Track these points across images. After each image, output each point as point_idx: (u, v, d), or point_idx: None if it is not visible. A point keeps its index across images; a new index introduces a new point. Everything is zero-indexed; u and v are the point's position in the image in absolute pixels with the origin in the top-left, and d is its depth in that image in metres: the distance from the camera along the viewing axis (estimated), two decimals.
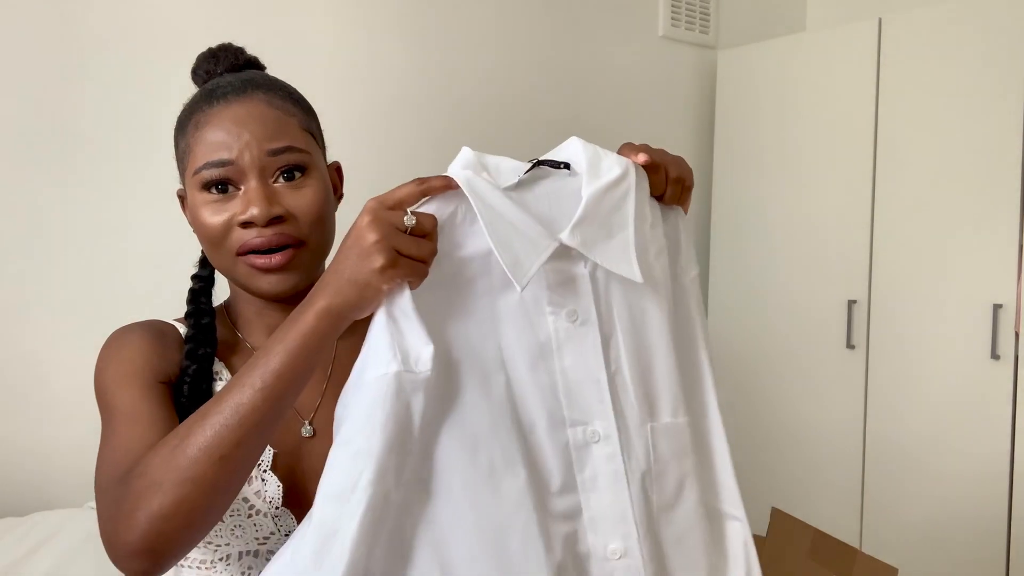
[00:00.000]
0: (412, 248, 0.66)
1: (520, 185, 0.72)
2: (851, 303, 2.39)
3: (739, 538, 0.80)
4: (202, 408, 0.68)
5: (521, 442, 0.71)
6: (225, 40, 0.93)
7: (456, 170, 0.70)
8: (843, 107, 2.41)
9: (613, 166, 0.74)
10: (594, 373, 0.74)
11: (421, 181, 0.69)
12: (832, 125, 2.44)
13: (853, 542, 2.33)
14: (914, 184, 2.26)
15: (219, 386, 0.85)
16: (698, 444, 0.78)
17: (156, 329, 0.87)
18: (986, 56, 2.12)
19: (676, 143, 2.74)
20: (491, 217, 0.69)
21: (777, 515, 1.69)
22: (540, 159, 0.74)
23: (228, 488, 0.68)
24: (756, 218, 2.63)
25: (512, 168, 0.73)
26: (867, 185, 2.36)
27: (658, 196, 0.80)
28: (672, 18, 2.67)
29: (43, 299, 1.62)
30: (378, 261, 0.64)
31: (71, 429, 1.62)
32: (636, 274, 0.73)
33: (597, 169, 0.73)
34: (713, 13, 2.79)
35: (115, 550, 0.67)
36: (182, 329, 0.88)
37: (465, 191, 0.68)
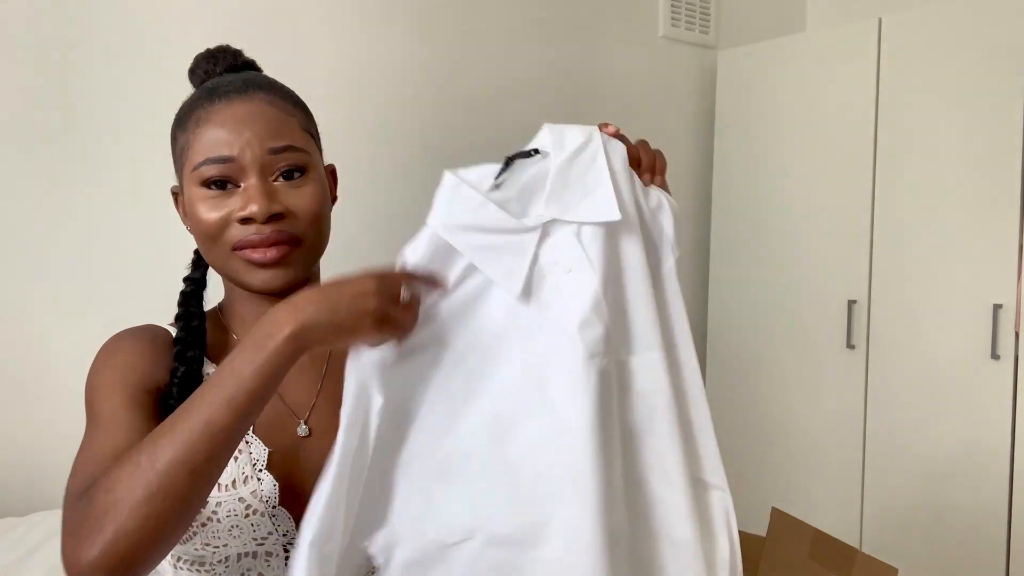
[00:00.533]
0: (401, 318, 0.72)
1: (500, 186, 0.77)
2: (851, 303, 2.39)
3: (721, 508, 0.82)
4: (168, 421, 0.67)
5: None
6: (222, 40, 0.93)
7: (437, 223, 0.76)
8: (843, 107, 2.41)
9: (577, 135, 0.79)
10: (593, 315, 0.78)
11: (425, 278, 0.75)
12: (832, 125, 2.44)
13: (853, 542, 2.33)
14: (914, 184, 2.26)
15: None
16: (681, 416, 0.82)
17: (149, 335, 0.87)
18: (986, 56, 2.12)
19: (676, 143, 2.74)
20: (477, 249, 0.76)
21: (777, 515, 1.69)
22: (510, 155, 0.78)
23: (197, 500, 0.68)
24: (756, 218, 2.63)
25: (491, 172, 0.77)
26: (867, 185, 2.36)
27: (636, 167, 0.82)
28: (672, 18, 2.67)
29: (44, 299, 1.62)
30: (372, 324, 0.69)
31: (71, 429, 1.61)
32: (615, 212, 0.77)
33: (562, 143, 0.79)
34: (713, 13, 2.79)
35: (75, 567, 0.63)
36: (172, 330, 0.89)
37: (451, 241, 0.75)
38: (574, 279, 0.77)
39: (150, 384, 0.82)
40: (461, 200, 0.75)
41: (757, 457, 2.59)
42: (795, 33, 2.74)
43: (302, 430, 0.87)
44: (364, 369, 0.73)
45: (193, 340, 0.86)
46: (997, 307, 2.09)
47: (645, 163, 0.84)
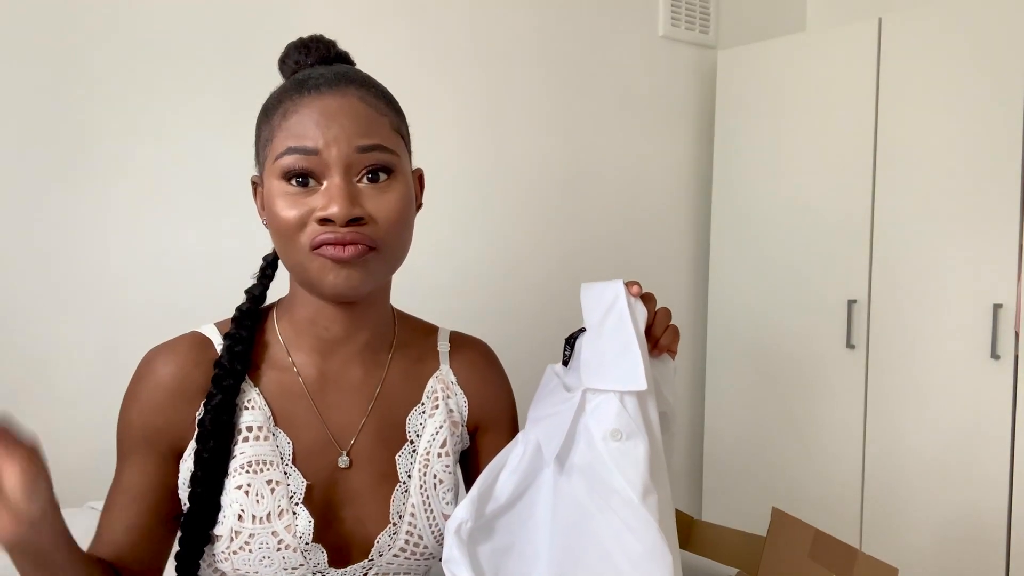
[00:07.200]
0: None
1: (567, 364, 0.86)
2: (851, 303, 2.39)
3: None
4: None
5: None
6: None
7: (531, 417, 0.87)
8: (843, 107, 2.41)
9: (604, 295, 0.82)
10: (651, 482, 0.80)
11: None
12: (832, 125, 2.44)
13: (853, 542, 2.33)
14: (914, 184, 2.26)
15: (245, 417, 0.84)
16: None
17: (182, 355, 0.86)
18: (986, 56, 2.12)
19: (676, 143, 2.74)
20: (538, 423, 0.84)
21: (777, 515, 1.69)
22: (568, 336, 0.86)
23: None
24: (756, 218, 2.63)
25: (563, 368, 0.87)
26: (867, 185, 2.36)
27: (647, 330, 0.84)
28: (672, 18, 2.67)
29: (46, 299, 1.62)
30: None
31: (72, 428, 1.62)
32: (642, 382, 0.79)
33: (592, 306, 0.83)
34: (713, 13, 2.79)
35: None
36: (218, 341, 0.87)
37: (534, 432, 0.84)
38: (634, 446, 0.80)
39: (173, 425, 0.83)
40: (545, 388, 0.86)
41: (757, 457, 2.59)
42: (795, 33, 2.74)
43: (343, 461, 0.85)
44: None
45: (232, 369, 0.83)
46: (997, 307, 2.09)
47: (661, 341, 0.85)
